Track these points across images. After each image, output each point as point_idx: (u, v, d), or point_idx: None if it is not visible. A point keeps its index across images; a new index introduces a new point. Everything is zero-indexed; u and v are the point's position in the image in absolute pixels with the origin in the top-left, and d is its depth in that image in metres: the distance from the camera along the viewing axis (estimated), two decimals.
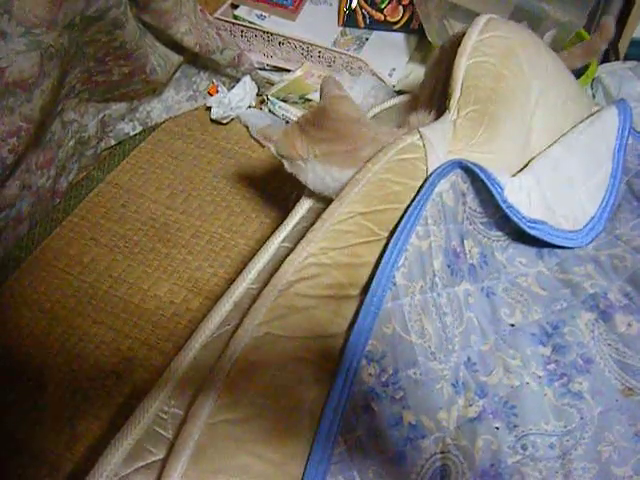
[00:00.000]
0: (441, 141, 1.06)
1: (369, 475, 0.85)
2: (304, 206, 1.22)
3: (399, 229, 0.93)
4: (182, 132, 1.93)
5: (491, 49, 1.14)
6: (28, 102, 1.39)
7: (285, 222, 1.18)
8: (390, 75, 1.99)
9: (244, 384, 0.87)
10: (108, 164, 1.84)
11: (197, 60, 1.97)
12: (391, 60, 2.05)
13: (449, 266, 0.99)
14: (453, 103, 1.12)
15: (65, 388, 1.36)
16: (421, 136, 1.03)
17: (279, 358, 0.92)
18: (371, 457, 0.85)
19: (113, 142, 1.88)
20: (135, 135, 1.93)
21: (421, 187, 0.98)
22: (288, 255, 0.99)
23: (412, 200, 0.98)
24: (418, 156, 1.02)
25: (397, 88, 1.95)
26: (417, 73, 2.01)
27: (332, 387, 0.86)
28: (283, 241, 1.16)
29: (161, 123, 1.97)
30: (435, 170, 0.99)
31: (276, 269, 0.99)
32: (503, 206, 1.00)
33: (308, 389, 0.89)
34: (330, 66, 2.04)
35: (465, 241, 1.02)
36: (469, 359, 0.97)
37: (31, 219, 1.67)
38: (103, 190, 1.80)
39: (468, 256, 1.02)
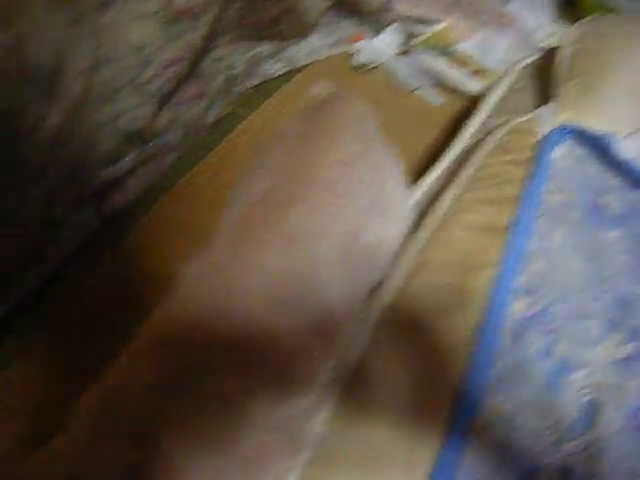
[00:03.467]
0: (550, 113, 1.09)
1: (520, 400, 0.88)
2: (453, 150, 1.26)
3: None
4: (325, 76, 1.90)
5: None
6: (191, 31, 1.39)
7: (436, 164, 1.19)
8: (535, 32, 1.90)
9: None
10: (253, 102, 1.86)
11: (343, 6, 1.94)
12: (537, 17, 1.96)
13: (590, 216, 0.98)
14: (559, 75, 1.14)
15: None
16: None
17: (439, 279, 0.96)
18: (519, 385, 0.88)
19: (257, 81, 1.89)
20: (279, 76, 1.90)
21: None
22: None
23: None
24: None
25: (543, 44, 1.87)
26: (562, 32, 1.92)
27: (484, 319, 0.85)
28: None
29: (305, 66, 1.93)
30: (548, 137, 1.01)
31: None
32: (622, 159, 0.99)
33: (455, 314, 0.93)
34: (475, 19, 1.97)
35: (604, 196, 1.01)
36: (621, 300, 0.93)
37: (178, 149, 1.71)
38: (248, 126, 1.81)
39: (610, 208, 1.01)
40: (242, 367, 0.73)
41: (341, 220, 0.85)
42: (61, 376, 1.34)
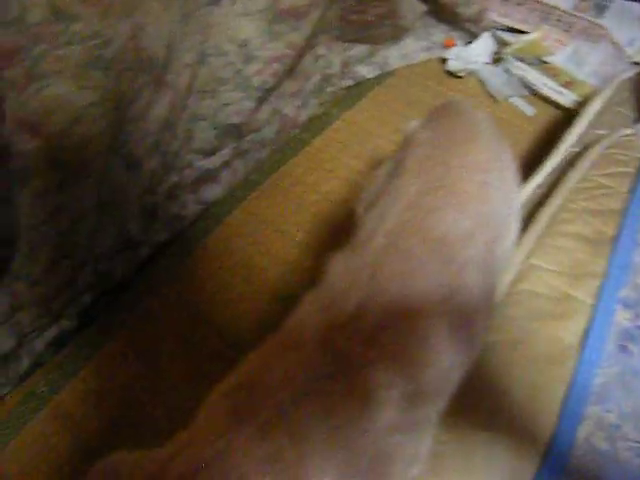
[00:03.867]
0: None
1: (626, 410, 0.87)
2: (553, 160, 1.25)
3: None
4: (417, 81, 1.92)
5: None
6: (295, 30, 1.41)
7: (536, 173, 1.24)
8: (629, 45, 1.87)
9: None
10: (345, 103, 1.86)
11: (438, 12, 1.94)
12: (631, 30, 1.92)
13: None
14: None
15: None
16: None
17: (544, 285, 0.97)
18: (625, 395, 0.87)
19: (351, 82, 1.90)
20: (371, 79, 1.92)
21: None
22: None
23: None
24: None
25: (635, 59, 1.84)
26: None
27: (590, 328, 0.92)
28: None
29: (396, 70, 1.95)
30: None
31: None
32: None
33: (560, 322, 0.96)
34: (567, 31, 1.97)
35: None
36: None
37: (272, 145, 1.73)
38: (340, 126, 1.83)
39: None
40: (390, 361, 0.75)
41: (480, 229, 0.87)
42: (149, 360, 1.38)
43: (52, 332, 1.38)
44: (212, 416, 0.73)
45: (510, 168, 0.94)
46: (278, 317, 1.37)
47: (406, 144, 0.97)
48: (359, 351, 0.73)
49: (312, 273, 1.46)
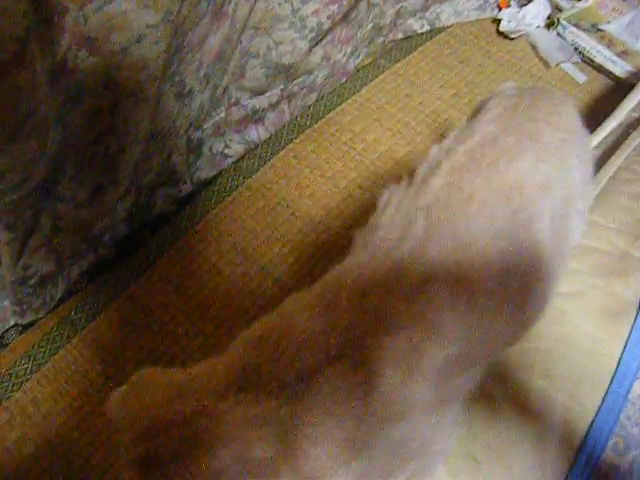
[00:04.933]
0: None
1: None
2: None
3: None
4: (468, 39, 1.88)
5: None
6: None
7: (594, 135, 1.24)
8: None
9: None
10: (394, 55, 1.85)
11: None
12: None
13: None
14: None
15: None
16: None
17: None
18: None
19: (400, 36, 1.87)
20: (421, 34, 1.88)
21: None
22: None
23: None
24: None
25: None
26: None
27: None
28: None
29: (447, 27, 1.91)
30: None
31: None
32: None
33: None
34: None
35: None
36: None
37: (320, 91, 1.71)
38: (388, 78, 1.81)
39: None
40: (433, 320, 0.71)
41: (559, 182, 0.83)
42: (187, 294, 1.37)
43: (89, 259, 1.38)
44: (230, 362, 0.72)
45: (589, 149, 0.90)
46: (319, 261, 1.40)
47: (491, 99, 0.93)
48: (399, 308, 0.69)
49: (356, 221, 1.46)
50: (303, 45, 1.47)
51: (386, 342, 0.67)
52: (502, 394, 0.96)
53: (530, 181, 0.78)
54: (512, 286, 0.73)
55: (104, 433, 1.20)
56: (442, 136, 1.56)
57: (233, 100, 1.51)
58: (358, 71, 1.79)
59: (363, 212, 1.48)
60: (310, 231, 1.47)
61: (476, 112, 0.93)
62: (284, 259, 1.43)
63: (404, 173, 0.88)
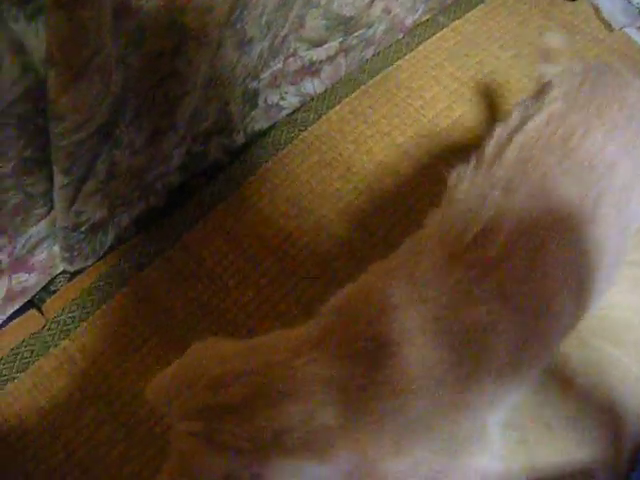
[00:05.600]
0: None
1: None
2: None
3: None
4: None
5: None
6: None
7: None
8: None
9: None
10: (453, 12, 1.81)
11: None
12: None
13: None
14: None
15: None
16: None
17: None
18: None
19: None
20: None
21: None
22: None
23: None
24: None
25: None
26: None
27: None
28: None
29: None
30: None
31: None
32: None
33: None
34: None
35: None
36: None
37: (378, 45, 1.67)
38: (446, 35, 1.76)
39: None
40: (507, 299, 0.72)
41: (626, 160, 0.83)
42: (240, 246, 1.36)
43: (140, 208, 1.36)
44: (307, 328, 0.72)
45: None
46: (373, 218, 1.39)
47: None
48: (478, 284, 0.70)
49: (412, 179, 1.44)
50: None
51: (469, 315, 0.68)
52: (578, 360, 0.92)
53: (598, 158, 0.79)
54: (580, 261, 0.75)
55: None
56: (500, 97, 1.59)
57: (291, 51, 1.47)
58: (416, 27, 1.74)
59: (420, 170, 1.46)
60: (365, 188, 1.43)
61: (541, 90, 0.94)
62: (339, 215, 1.40)
63: (471, 150, 0.90)
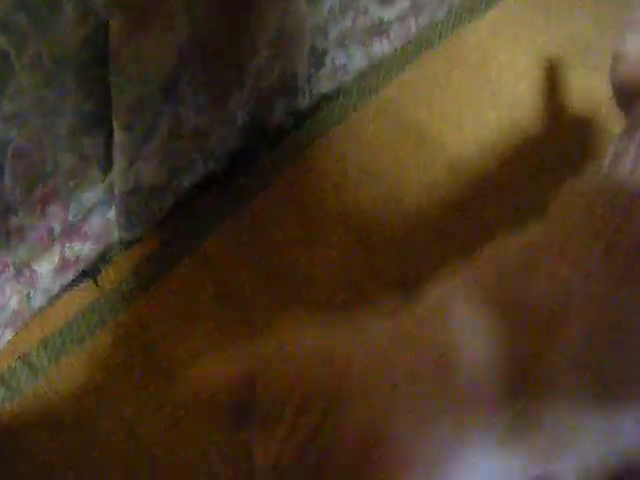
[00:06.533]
0: None
1: None
2: None
3: None
4: None
5: None
6: None
7: None
8: None
9: None
10: None
11: None
12: None
13: None
14: None
15: None
16: None
17: None
18: None
19: None
20: None
21: None
22: None
23: None
24: None
25: None
26: None
27: None
28: None
29: None
30: None
31: None
32: None
33: None
34: None
35: None
36: None
37: (450, 6, 1.59)
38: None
39: None
40: None
41: None
42: (308, 213, 1.29)
43: (200, 172, 1.30)
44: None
45: None
46: (451, 187, 1.32)
47: None
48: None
49: (491, 144, 1.36)
50: None
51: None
52: None
53: None
54: None
55: None
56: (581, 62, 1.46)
57: (361, 8, 1.39)
58: None
59: (500, 136, 1.38)
60: (441, 155, 1.35)
61: None
62: (412, 184, 1.32)
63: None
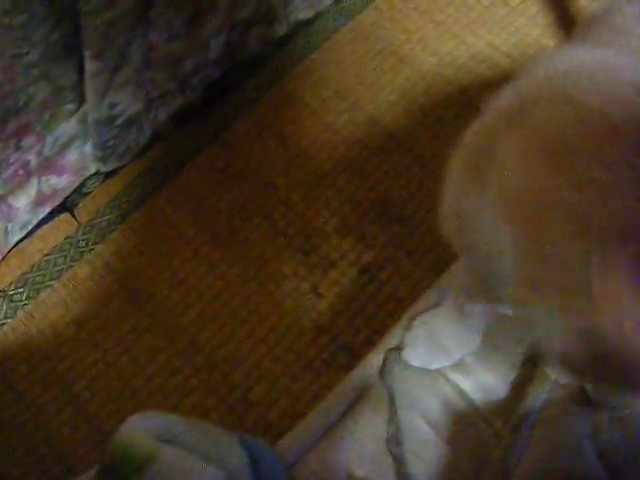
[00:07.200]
0: None
1: None
2: None
3: None
4: None
5: None
6: None
7: None
8: None
9: None
10: None
11: None
12: None
13: None
14: None
15: None
16: None
17: None
18: None
19: None
20: None
21: None
22: None
23: None
24: None
25: None
26: None
27: None
28: None
29: None
30: None
31: None
32: None
33: None
34: None
35: None
36: None
37: None
38: None
39: None
40: None
41: None
42: (286, 141, 1.27)
43: (177, 102, 1.27)
44: None
45: None
46: (429, 110, 1.30)
47: None
48: None
49: (471, 69, 1.34)
50: None
51: None
52: None
53: None
54: None
55: (195, 292, 1.13)
56: None
57: None
58: None
59: (478, 61, 1.34)
60: (419, 79, 1.32)
61: None
62: (391, 108, 1.29)
63: None
